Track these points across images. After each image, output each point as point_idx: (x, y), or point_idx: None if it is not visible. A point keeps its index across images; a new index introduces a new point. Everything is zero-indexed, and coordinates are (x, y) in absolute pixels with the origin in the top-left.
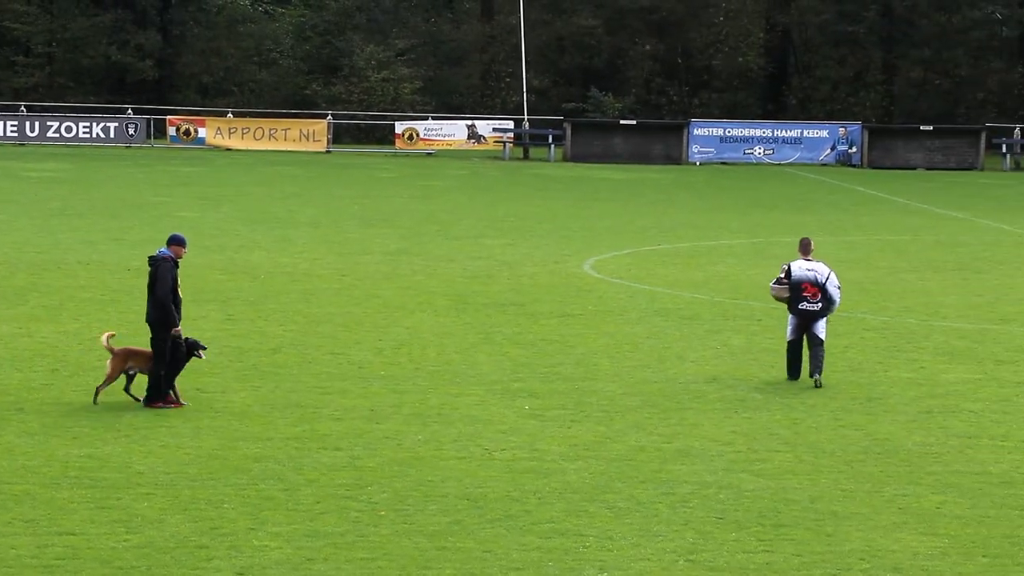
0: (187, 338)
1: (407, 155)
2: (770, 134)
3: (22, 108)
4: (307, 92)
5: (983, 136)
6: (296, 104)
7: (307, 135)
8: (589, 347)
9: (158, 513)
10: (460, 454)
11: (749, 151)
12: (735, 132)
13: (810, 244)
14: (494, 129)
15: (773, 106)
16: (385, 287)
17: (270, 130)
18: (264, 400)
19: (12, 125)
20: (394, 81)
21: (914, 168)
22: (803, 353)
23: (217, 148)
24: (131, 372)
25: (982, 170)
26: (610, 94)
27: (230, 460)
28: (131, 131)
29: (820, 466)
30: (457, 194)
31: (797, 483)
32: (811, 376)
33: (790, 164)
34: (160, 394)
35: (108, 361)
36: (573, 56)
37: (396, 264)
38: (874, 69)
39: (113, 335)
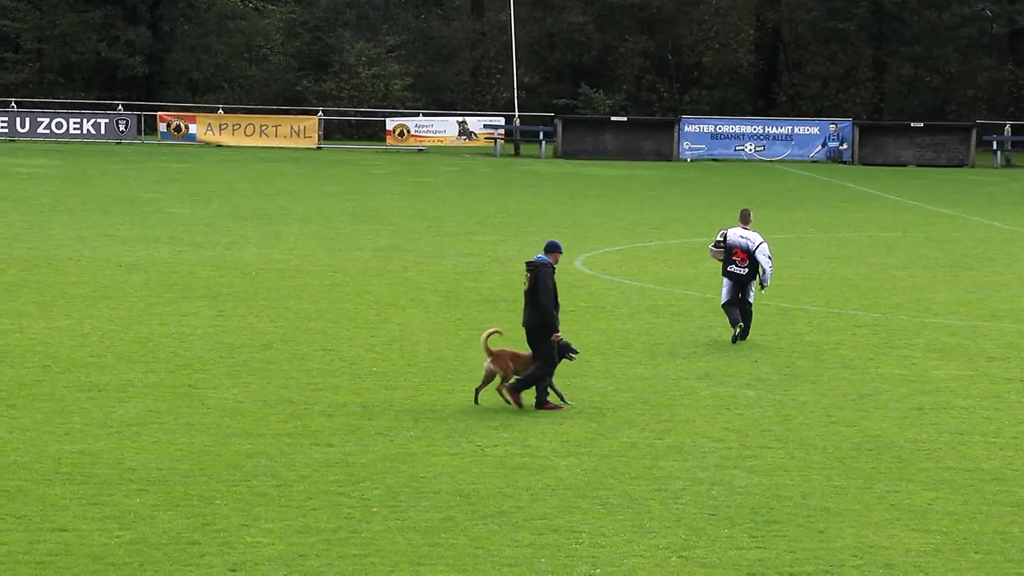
0: (560, 341)
1: (398, 151)
2: (761, 131)
3: (12, 104)
4: (297, 88)
5: (974, 133)
6: (287, 100)
7: (298, 131)
8: (580, 343)
9: (150, 509)
10: (452, 450)
11: (740, 148)
12: (726, 129)
13: (749, 215)
14: (485, 126)
15: (763, 103)
16: (376, 283)
17: (261, 126)
18: (256, 396)
19: (2, 121)
20: (384, 77)
21: (905, 165)
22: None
23: (208, 144)
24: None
25: (973, 167)
26: (600, 91)
27: (222, 456)
28: (122, 127)
29: (812, 462)
30: (448, 190)
31: (789, 479)
32: (735, 325)
33: (781, 161)
34: (541, 399)
35: (489, 362)
36: (563, 53)
37: (387, 260)
38: (864, 66)
39: (497, 332)
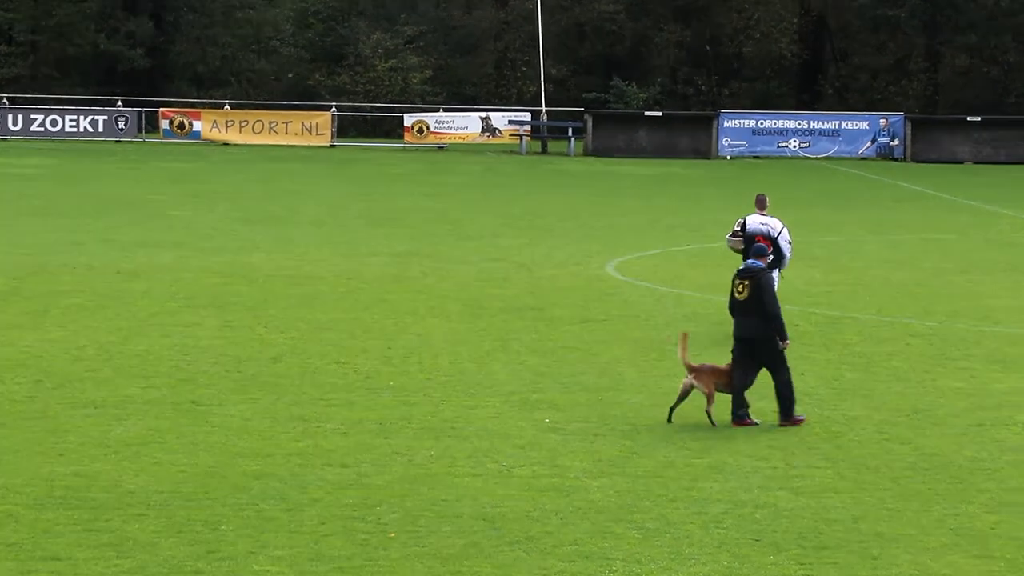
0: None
1: (416, 149)
2: (806, 126)
3: (4, 100)
4: (309, 82)
5: None
6: (298, 95)
7: (309, 128)
8: (613, 355)
9: (151, 536)
10: (475, 471)
11: (783, 144)
12: (768, 124)
13: (765, 200)
14: (510, 121)
15: (808, 96)
16: (393, 291)
17: (270, 123)
18: (264, 413)
19: None
20: (402, 70)
21: (961, 162)
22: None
23: (213, 142)
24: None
25: None
26: (633, 84)
27: (228, 478)
28: (121, 125)
29: (864, 483)
30: (471, 191)
31: (839, 501)
32: None
33: (827, 158)
34: (787, 413)
35: (691, 378)
36: (594, 43)
37: (405, 266)
38: (916, 56)
39: (687, 336)
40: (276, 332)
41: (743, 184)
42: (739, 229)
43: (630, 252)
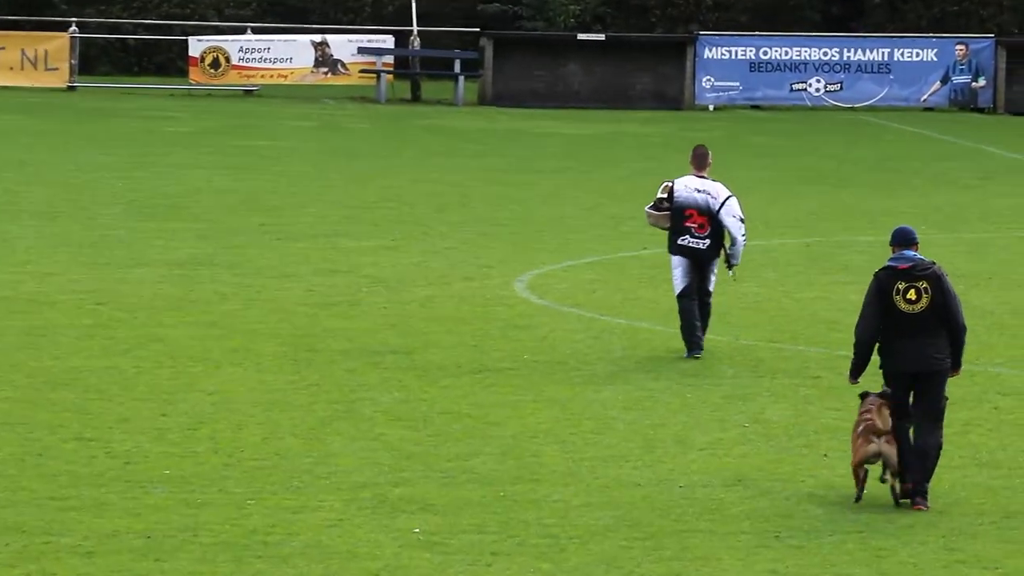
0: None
1: (210, 94)
2: (836, 56)
3: None
4: None
5: None
6: (15, 5)
7: (34, 59)
8: (525, 425)
9: None
10: None
11: (800, 86)
12: (775, 54)
13: (706, 156)
14: (360, 50)
15: (840, 9)
16: (172, 323)
17: None
18: None
19: None
20: None
21: None
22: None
23: None
24: None
25: None
26: None
27: None
28: None
29: None
30: (297, 162)
31: None
32: (685, 344)
33: (870, 107)
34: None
35: (884, 442)
36: None
37: (192, 283)
38: None
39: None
40: None
41: (735, 150)
42: (664, 197)
43: (551, 261)
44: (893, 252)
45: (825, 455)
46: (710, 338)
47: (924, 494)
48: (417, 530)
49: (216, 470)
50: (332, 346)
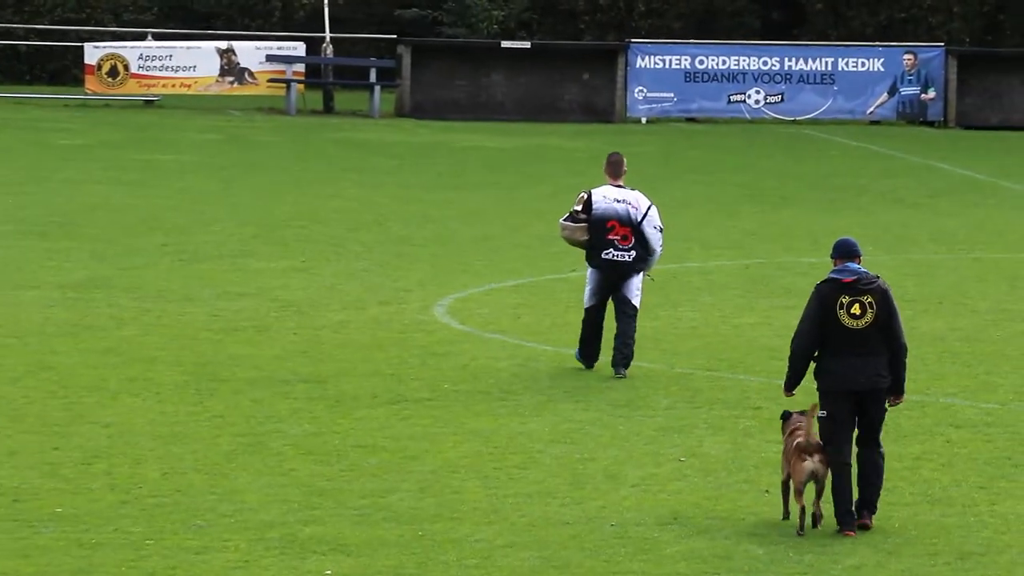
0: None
1: (107, 104)
2: (777, 66)
3: None
4: None
5: None
6: None
7: None
8: (445, 459)
9: None
10: None
11: (738, 98)
12: (711, 63)
13: (622, 163)
14: (269, 58)
15: (782, 15)
16: (66, 350)
17: None
18: None
19: None
20: None
21: None
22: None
23: None
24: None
25: None
26: None
27: None
28: None
29: None
30: (202, 177)
31: None
32: (613, 367)
33: (813, 120)
34: None
35: (818, 460)
36: None
37: (87, 307)
38: None
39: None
40: None
41: (669, 166)
42: (580, 209)
43: (473, 284)
44: (835, 265)
45: (767, 491)
46: (643, 366)
47: (872, 508)
48: (329, 572)
49: (112, 508)
50: (238, 375)
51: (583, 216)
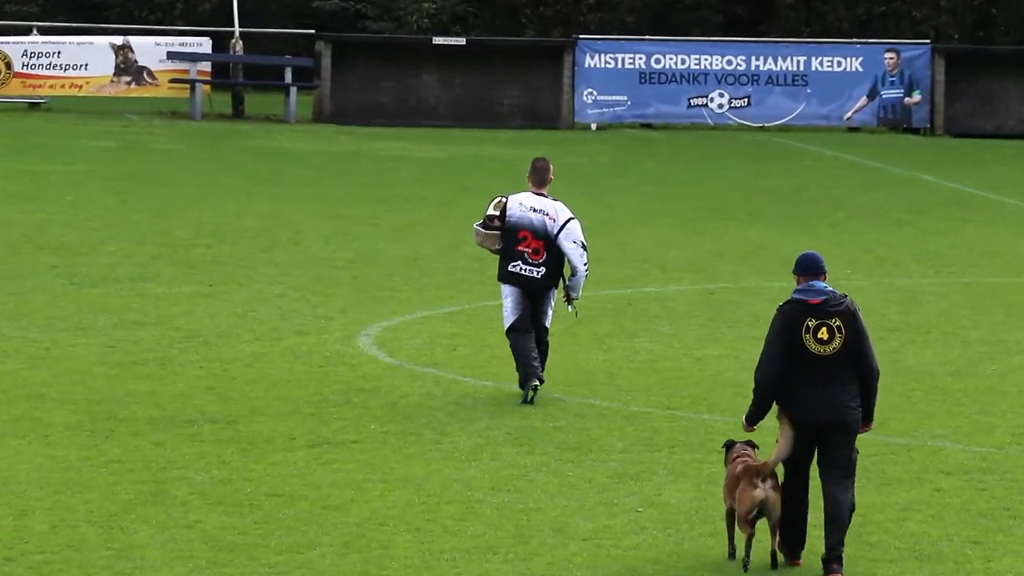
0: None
1: None
2: (743, 66)
3: None
4: None
5: None
6: None
7: None
8: (372, 510)
9: None
10: None
11: (699, 101)
12: (668, 63)
13: (548, 170)
14: (171, 55)
15: (747, 10)
16: None
17: None
18: None
19: None
20: None
21: None
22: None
23: None
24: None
25: None
26: None
27: None
28: None
29: None
30: (95, 190)
31: None
32: (520, 387)
33: (783, 127)
34: None
35: (770, 487)
36: None
37: None
38: None
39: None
40: None
41: (621, 179)
42: (496, 215)
43: (403, 311)
44: (798, 283)
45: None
46: (595, 404)
47: (839, 560)
48: None
49: None
50: (137, 414)
51: (498, 223)
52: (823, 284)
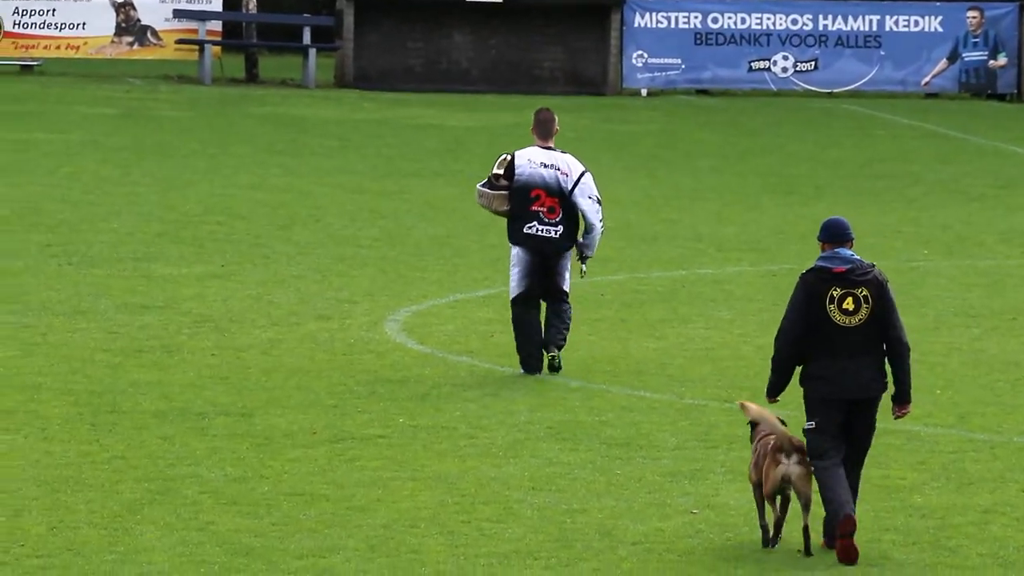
0: None
1: None
2: (809, 26)
3: None
4: None
5: None
6: None
7: None
8: (400, 511)
9: None
10: None
11: (761, 65)
12: (727, 22)
13: (553, 121)
14: (177, 13)
15: None
16: None
17: None
18: None
19: None
20: None
21: None
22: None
23: None
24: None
25: None
26: None
27: None
28: None
29: None
30: (94, 161)
31: None
32: (546, 350)
33: (853, 92)
34: None
35: (796, 461)
36: None
37: None
38: None
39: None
40: None
41: (674, 151)
42: (501, 173)
43: (434, 294)
44: (823, 250)
45: (799, 551)
46: (645, 396)
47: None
48: None
49: None
50: (142, 406)
51: (504, 182)
52: (849, 252)
